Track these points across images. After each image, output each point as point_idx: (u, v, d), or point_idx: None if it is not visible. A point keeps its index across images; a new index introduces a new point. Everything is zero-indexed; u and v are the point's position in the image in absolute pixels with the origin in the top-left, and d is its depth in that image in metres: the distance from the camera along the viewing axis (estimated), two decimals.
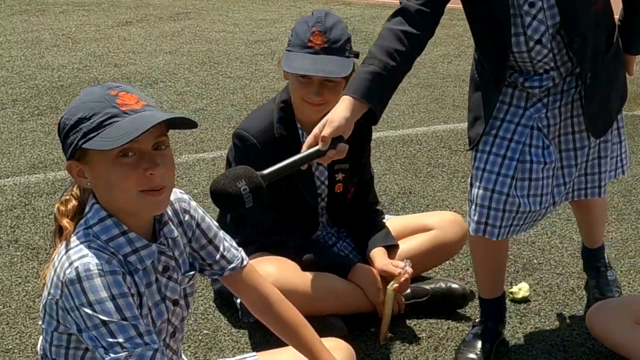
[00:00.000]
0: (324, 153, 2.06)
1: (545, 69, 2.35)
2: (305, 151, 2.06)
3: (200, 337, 2.75)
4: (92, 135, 1.61)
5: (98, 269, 1.60)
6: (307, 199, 2.80)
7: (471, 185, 2.46)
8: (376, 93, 2.16)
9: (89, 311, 1.58)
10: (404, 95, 5.21)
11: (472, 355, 2.55)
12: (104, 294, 1.59)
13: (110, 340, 1.58)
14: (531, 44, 2.30)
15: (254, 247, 2.78)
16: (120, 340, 1.58)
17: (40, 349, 1.81)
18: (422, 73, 5.67)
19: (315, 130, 2.09)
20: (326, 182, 2.84)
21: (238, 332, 2.78)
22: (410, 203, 3.75)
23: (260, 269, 2.64)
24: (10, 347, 2.68)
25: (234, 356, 2.47)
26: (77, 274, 1.60)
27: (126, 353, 1.58)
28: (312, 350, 1.98)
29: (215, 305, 2.93)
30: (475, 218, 2.43)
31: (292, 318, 2.01)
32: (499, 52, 2.33)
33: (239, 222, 2.84)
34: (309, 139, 2.10)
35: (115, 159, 1.62)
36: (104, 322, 1.58)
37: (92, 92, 1.67)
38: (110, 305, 1.59)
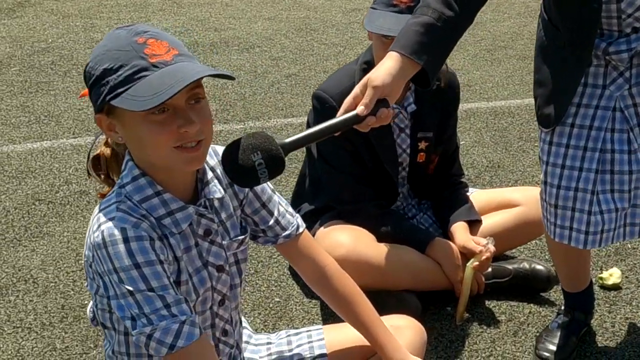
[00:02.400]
0: (362, 119, 1.60)
1: (634, 27, 1.86)
2: (339, 116, 1.61)
3: (271, 305, 2.55)
4: (119, 90, 1.41)
5: (123, 235, 1.43)
6: (387, 167, 2.53)
7: (545, 183, 2.03)
8: (429, 49, 1.68)
9: (116, 279, 1.44)
10: (498, 66, 4.86)
11: (553, 347, 2.24)
12: (128, 262, 1.43)
13: (137, 311, 1.43)
14: None
15: (330, 214, 2.58)
16: (146, 311, 1.43)
17: (90, 311, 1.66)
18: (518, 44, 5.30)
19: (356, 90, 1.63)
20: (408, 151, 2.56)
21: (310, 302, 2.56)
22: (498, 177, 3.44)
23: (335, 238, 2.43)
24: (86, 302, 2.58)
25: (303, 327, 2.25)
26: (103, 239, 1.44)
27: (151, 327, 1.43)
28: (369, 328, 1.74)
29: (289, 273, 2.72)
30: (559, 222, 2.02)
31: (348, 292, 1.77)
32: (585, 4, 1.82)
33: (317, 188, 2.62)
34: (347, 101, 1.63)
35: (146, 116, 1.42)
36: (131, 292, 1.43)
37: (118, 37, 1.45)
38: (135, 273, 1.43)
